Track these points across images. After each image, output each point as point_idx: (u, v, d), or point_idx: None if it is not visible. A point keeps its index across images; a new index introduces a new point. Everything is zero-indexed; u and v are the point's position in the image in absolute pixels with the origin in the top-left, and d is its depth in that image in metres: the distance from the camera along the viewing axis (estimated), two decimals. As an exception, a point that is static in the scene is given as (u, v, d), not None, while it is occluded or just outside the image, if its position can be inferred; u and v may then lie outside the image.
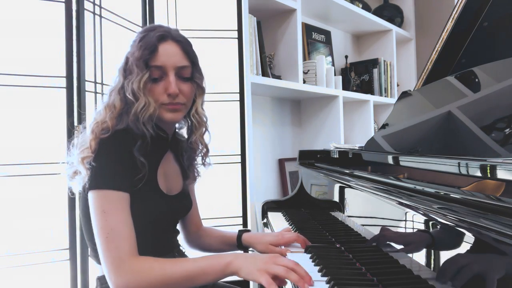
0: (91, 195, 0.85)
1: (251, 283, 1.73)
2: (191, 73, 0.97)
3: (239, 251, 1.12)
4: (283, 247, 1.04)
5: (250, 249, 1.12)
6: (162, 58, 0.92)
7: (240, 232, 1.13)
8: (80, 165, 0.87)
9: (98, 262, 0.96)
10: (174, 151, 1.07)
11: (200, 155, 1.09)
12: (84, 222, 0.94)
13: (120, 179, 0.85)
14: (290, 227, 1.22)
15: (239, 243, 1.12)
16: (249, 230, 1.15)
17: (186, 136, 1.09)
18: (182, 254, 1.09)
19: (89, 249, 1.00)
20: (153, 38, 0.92)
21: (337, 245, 0.98)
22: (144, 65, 0.90)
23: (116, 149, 0.87)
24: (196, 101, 1.01)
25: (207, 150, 1.09)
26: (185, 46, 0.96)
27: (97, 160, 0.85)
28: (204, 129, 1.05)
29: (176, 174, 1.07)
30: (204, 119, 1.04)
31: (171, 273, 0.80)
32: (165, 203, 0.98)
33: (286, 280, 0.75)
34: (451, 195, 0.60)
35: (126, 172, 0.87)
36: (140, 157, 0.89)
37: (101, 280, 0.96)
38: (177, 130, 1.10)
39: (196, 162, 1.11)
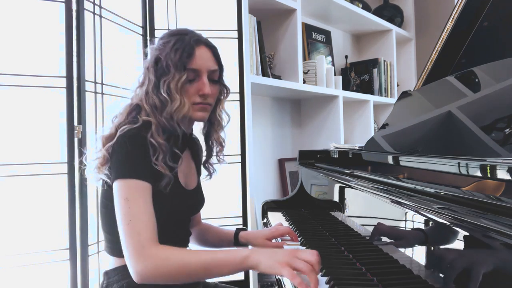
0: (115, 184, 0.88)
1: (251, 284, 1.73)
2: (219, 76, 1.04)
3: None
4: (279, 240, 1.10)
5: (249, 247, 1.15)
6: (198, 61, 0.98)
7: (237, 230, 1.17)
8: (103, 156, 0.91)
9: (112, 253, 0.99)
10: (191, 149, 1.12)
11: (216, 152, 1.14)
12: (104, 213, 0.98)
13: (143, 169, 0.89)
14: (290, 227, 1.22)
15: (236, 241, 1.16)
16: (245, 229, 1.20)
17: (201, 135, 1.14)
18: None
19: (104, 241, 1.02)
20: (190, 42, 0.97)
21: (337, 245, 0.98)
22: (182, 67, 0.95)
23: (140, 141, 0.90)
24: (221, 100, 1.08)
25: (222, 147, 1.14)
26: (216, 51, 1.03)
27: (122, 151, 0.89)
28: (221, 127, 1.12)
29: (193, 171, 1.12)
30: (227, 118, 1.12)
31: (189, 262, 0.82)
32: (185, 197, 1.03)
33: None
34: (451, 195, 0.60)
35: (149, 164, 0.90)
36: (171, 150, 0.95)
37: (109, 275, 0.98)
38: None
39: (211, 159, 1.16)
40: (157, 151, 0.91)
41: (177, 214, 1.01)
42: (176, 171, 0.99)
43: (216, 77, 1.03)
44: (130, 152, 0.89)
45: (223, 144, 1.13)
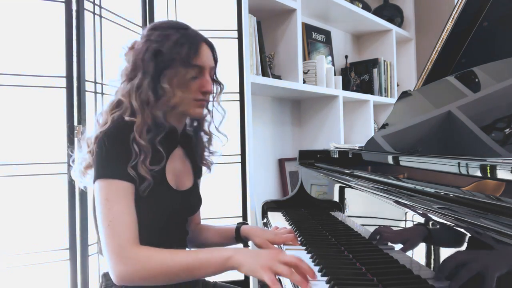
0: (96, 185, 0.86)
1: (251, 284, 1.73)
2: (215, 73, 1.05)
3: (238, 245, 1.13)
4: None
5: (250, 242, 1.13)
6: (203, 58, 0.97)
7: (239, 224, 1.14)
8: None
9: None
10: (184, 147, 1.08)
11: (206, 144, 1.12)
12: (95, 217, 0.95)
13: (124, 169, 0.86)
14: (290, 227, 1.22)
15: (237, 235, 1.13)
16: (247, 223, 1.17)
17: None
18: None
19: (98, 244, 0.99)
20: (197, 38, 0.97)
21: (337, 245, 0.98)
22: (188, 63, 0.94)
23: (120, 140, 0.88)
24: (217, 96, 1.08)
25: (211, 137, 1.12)
26: (214, 49, 1.03)
27: (102, 151, 0.86)
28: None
29: (187, 170, 1.07)
30: (222, 112, 1.10)
31: (171, 263, 0.80)
32: (174, 197, 0.99)
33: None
34: (451, 195, 0.60)
35: (131, 163, 0.87)
36: (157, 146, 0.91)
37: (107, 277, 0.96)
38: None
39: (206, 152, 1.13)
40: (139, 153, 0.88)
41: (167, 215, 0.96)
42: (164, 171, 0.96)
43: (213, 75, 1.03)
44: (110, 152, 0.86)
45: (211, 135, 1.11)
